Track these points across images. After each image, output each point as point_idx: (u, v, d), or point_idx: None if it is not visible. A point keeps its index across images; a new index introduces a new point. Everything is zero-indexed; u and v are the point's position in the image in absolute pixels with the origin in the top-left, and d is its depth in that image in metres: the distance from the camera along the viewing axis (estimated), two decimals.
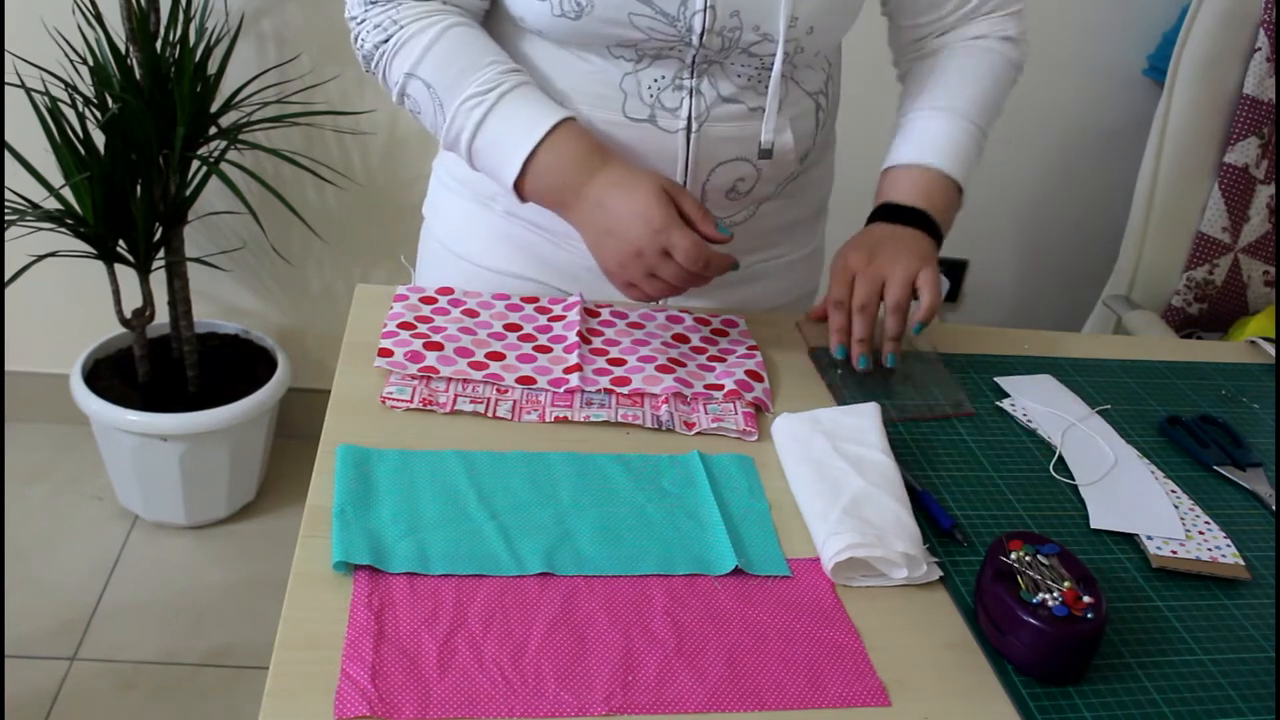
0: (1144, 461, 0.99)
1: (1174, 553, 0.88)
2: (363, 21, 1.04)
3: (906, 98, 1.18)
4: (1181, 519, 0.92)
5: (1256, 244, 2.01)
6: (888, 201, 1.11)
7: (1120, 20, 2.18)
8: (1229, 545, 0.89)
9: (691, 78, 1.03)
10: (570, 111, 1.02)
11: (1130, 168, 2.08)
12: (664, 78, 1.03)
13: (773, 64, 1.02)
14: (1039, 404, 1.06)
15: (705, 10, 0.98)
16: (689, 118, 1.04)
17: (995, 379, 1.10)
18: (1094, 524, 0.90)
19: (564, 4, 0.98)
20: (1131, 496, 0.94)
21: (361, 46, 1.05)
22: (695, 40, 0.99)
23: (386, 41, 1.02)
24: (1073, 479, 0.96)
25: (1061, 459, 0.99)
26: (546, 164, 0.99)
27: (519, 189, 1.01)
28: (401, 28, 1.02)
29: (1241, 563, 0.88)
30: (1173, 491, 0.96)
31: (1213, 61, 1.91)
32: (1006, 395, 1.08)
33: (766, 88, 1.04)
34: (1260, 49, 1.89)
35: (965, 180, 1.12)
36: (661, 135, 1.05)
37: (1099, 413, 1.06)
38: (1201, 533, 0.90)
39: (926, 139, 1.12)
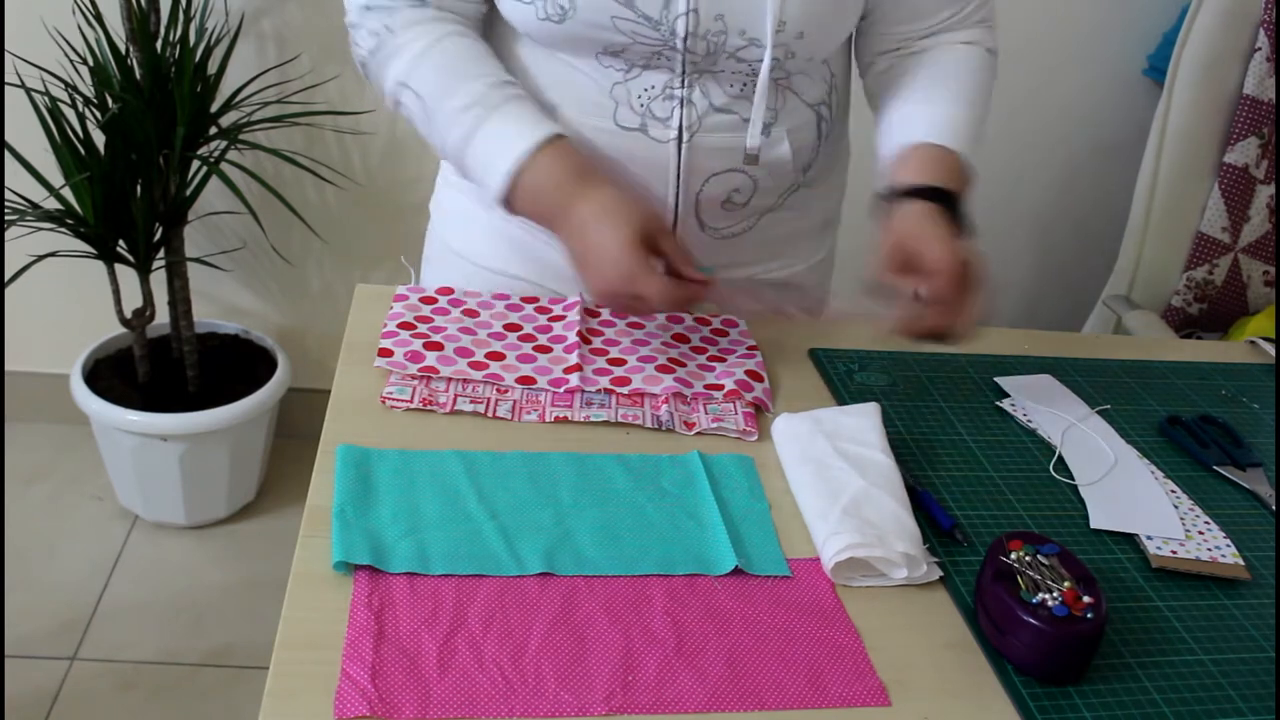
0: (1144, 461, 0.99)
1: (1174, 553, 0.88)
2: (358, 27, 1.04)
3: (899, 89, 1.12)
4: (1181, 519, 0.92)
5: (1256, 244, 2.01)
6: (947, 188, 1.02)
7: (1120, 20, 2.18)
8: (1229, 545, 0.89)
9: (682, 87, 1.03)
10: (558, 127, 1.00)
11: (1130, 168, 2.08)
12: (654, 87, 1.03)
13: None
14: (1039, 404, 1.06)
15: (688, 14, 0.97)
16: (680, 127, 1.04)
17: (995, 379, 1.10)
18: (1094, 524, 0.90)
19: (548, 7, 0.98)
20: (1131, 497, 0.94)
21: (358, 51, 1.05)
22: (679, 44, 0.99)
23: (378, 50, 1.02)
24: (1073, 479, 0.96)
25: (1061, 459, 0.99)
26: (531, 184, 0.99)
27: (509, 206, 1.02)
28: (395, 35, 1.01)
29: (1241, 563, 0.88)
30: (1173, 491, 0.96)
31: (1213, 61, 1.91)
32: (1006, 395, 1.08)
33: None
34: (1260, 49, 1.89)
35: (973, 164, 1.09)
36: (653, 145, 1.05)
37: (1099, 413, 1.06)
38: (1201, 533, 0.91)
39: (946, 126, 1.07)
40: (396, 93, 1.03)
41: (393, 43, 1.01)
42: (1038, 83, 2.23)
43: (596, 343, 1.06)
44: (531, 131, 0.99)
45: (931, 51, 1.12)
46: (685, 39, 0.98)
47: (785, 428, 0.95)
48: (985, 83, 1.13)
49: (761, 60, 1.00)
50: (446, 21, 1.03)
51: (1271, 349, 1.24)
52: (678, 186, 1.07)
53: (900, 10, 1.11)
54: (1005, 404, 1.06)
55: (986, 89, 1.13)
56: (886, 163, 1.08)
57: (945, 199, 1.01)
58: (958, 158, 1.05)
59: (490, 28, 1.09)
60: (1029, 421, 1.03)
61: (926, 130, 1.06)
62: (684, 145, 1.05)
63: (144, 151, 1.85)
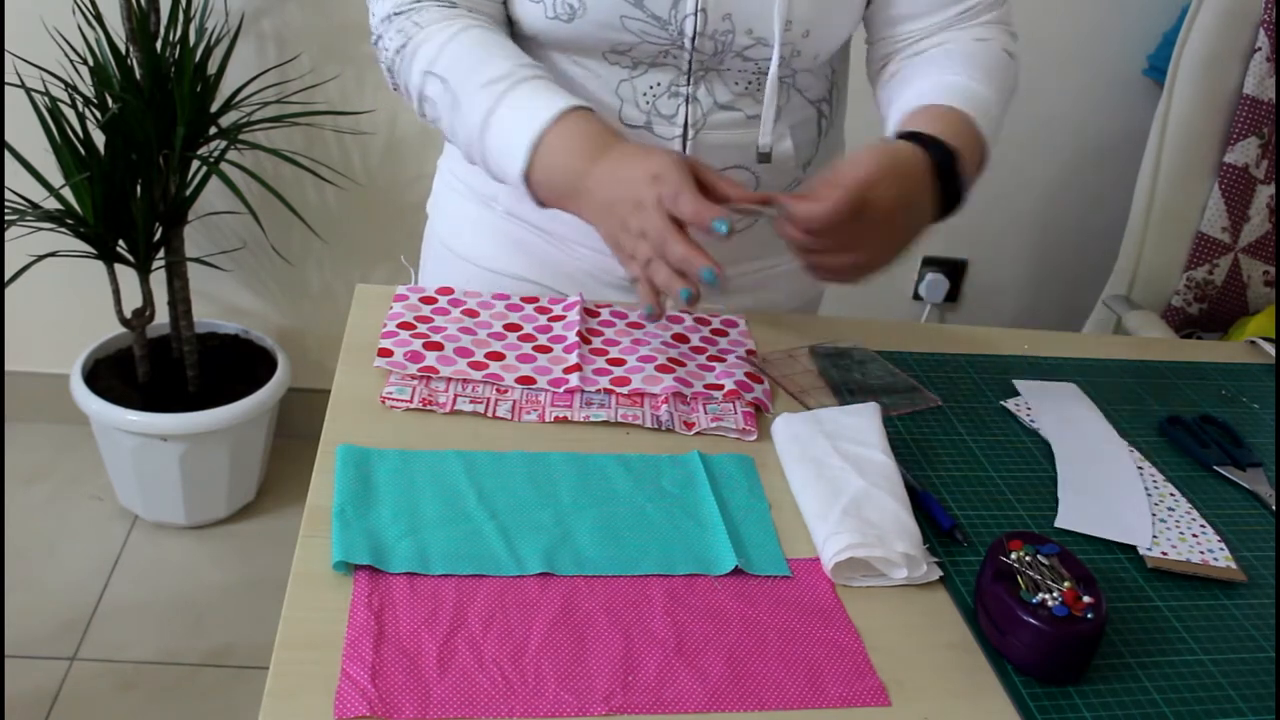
0: (1145, 466, 0.99)
1: (1164, 554, 0.88)
2: (382, 37, 1.03)
3: (909, 75, 1.06)
4: (1178, 523, 0.92)
5: (1256, 244, 2.01)
6: (945, 141, 0.94)
7: (1120, 20, 2.19)
8: (1223, 549, 0.89)
9: (688, 84, 1.03)
10: (584, 101, 0.97)
11: (1130, 168, 2.08)
12: (660, 84, 1.03)
13: (769, 69, 1.02)
14: (1048, 407, 1.05)
15: (696, 13, 0.97)
16: (685, 125, 1.04)
17: (1013, 381, 1.09)
18: (1058, 523, 0.90)
19: (557, 6, 0.98)
20: (1111, 500, 0.93)
21: (385, 55, 1.03)
22: (687, 44, 0.99)
23: (405, 46, 1.01)
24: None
25: (1052, 458, 0.99)
26: (554, 147, 0.94)
27: (529, 178, 0.97)
28: (422, 29, 1.00)
29: (1234, 566, 0.87)
30: (1172, 494, 0.95)
31: (1213, 61, 1.91)
32: (1012, 395, 1.07)
33: (764, 94, 1.03)
34: (1260, 49, 1.89)
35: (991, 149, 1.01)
36: (658, 142, 1.05)
37: (1106, 418, 1.06)
38: (1195, 535, 0.90)
39: (963, 97, 0.99)
40: (423, 84, 1.00)
41: (419, 35, 1.00)
42: (1038, 83, 2.23)
43: (596, 343, 1.06)
44: (556, 101, 0.95)
45: (944, 46, 1.07)
46: (693, 38, 0.99)
47: (785, 428, 0.95)
48: (1002, 67, 1.06)
49: (768, 59, 1.01)
50: (470, 17, 1.02)
51: (1271, 349, 1.24)
52: None
53: (903, 6, 1.07)
54: (1010, 403, 1.06)
55: (1003, 74, 1.06)
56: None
57: (936, 152, 0.93)
58: (963, 117, 0.97)
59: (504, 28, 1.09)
60: (1032, 422, 1.03)
61: (935, 95, 0.99)
62: (689, 142, 1.05)
63: (144, 151, 1.85)
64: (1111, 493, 0.95)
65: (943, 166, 0.93)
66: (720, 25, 0.99)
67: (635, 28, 0.98)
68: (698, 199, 0.87)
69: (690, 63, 1.01)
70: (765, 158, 1.06)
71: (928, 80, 1.02)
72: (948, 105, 0.98)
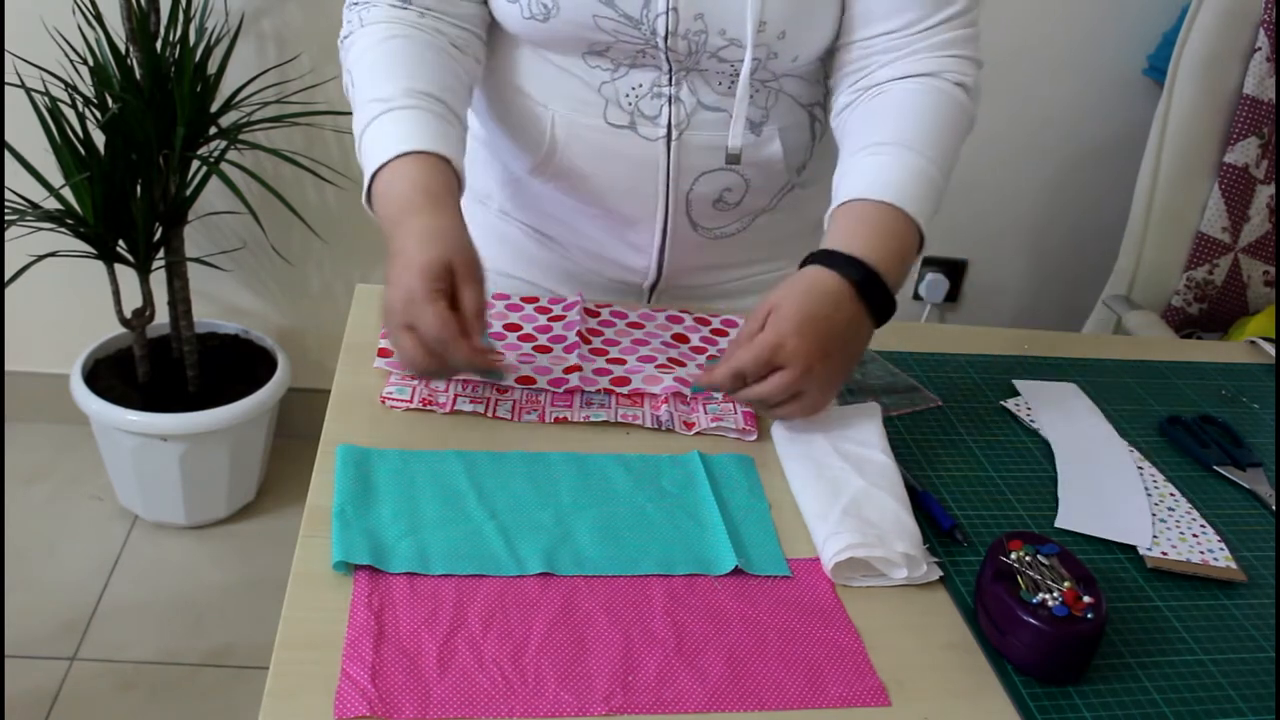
0: (1145, 468, 0.99)
1: (1164, 554, 0.88)
2: (346, 19, 1.05)
3: (854, 134, 1.02)
4: (1178, 523, 0.92)
5: (1256, 244, 2.01)
6: (863, 261, 0.91)
7: (1120, 20, 2.18)
8: (1223, 549, 0.89)
9: (670, 85, 1.03)
10: (441, 148, 0.93)
11: (1130, 168, 2.08)
12: (642, 85, 1.03)
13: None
14: (1048, 408, 1.05)
15: (667, 13, 0.97)
16: (669, 125, 1.04)
17: (1013, 381, 1.09)
18: (1059, 524, 0.90)
19: (532, 6, 0.98)
20: (1112, 501, 0.93)
21: (340, 36, 1.06)
22: (661, 44, 0.99)
23: (348, 37, 1.03)
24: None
25: (1052, 458, 0.99)
26: (382, 188, 0.94)
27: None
28: (363, 26, 1.01)
29: (1234, 566, 0.87)
30: (1172, 494, 0.95)
31: (1213, 61, 1.91)
32: (1011, 395, 1.07)
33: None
34: (1260, 49, 1.89)
35: (927, 227, 0.97)
36: (643, 143, 1.05)
37: (1106, 417, 1.06)
38: (1195, 536, 0.90)
39: (894, 178, 0.96)
40: (346, 77, 1.02)
41: (359, 32, 1.02)
42: (1038, 83, 2.23)
43: (596, 343, 1.06)
44: (408, 141, 0.93)
45: (891, 92, 1.02)
46: (666, 38, 0.98)
47: (785, 428, 0.95)
48: (947, 121, 1.01)
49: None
50: (410, 28, 1.00)
51: (1271, 349, 1.24)
52: (667, 184, 1.07)
53: (865, 10, 1.02)
54: (1010, 403, 1.06)
55: (948, 128, 1.01)
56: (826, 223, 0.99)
57: (854, 267, 0.91)
58: (894, 213, 0.94)
59: (490, 28, 1.09)
60: (1032, 421, 1.03)
61: (861, 185, 0.96)
62: (673, 143, 1.05)
63: (144, 151, 1.85)
64: (1111, 493, 0.95)
65: (867, 285, 0.91)
66: (693, 25, 0.98)
67: (609, 27, 0.98)
68: (434, 315, 0.85)
69: (669, 63, 1.01)
70: (734, 159, 1.05)
71: (871, 157, 0.98)
72: (886, 203, 0.94)
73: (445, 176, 0.93)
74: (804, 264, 0.94)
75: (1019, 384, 1.09)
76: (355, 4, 1.03)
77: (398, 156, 0.92)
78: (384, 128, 0.95)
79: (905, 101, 1.01)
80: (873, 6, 1.01)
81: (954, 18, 1.02)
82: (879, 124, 1.00)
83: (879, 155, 0.97)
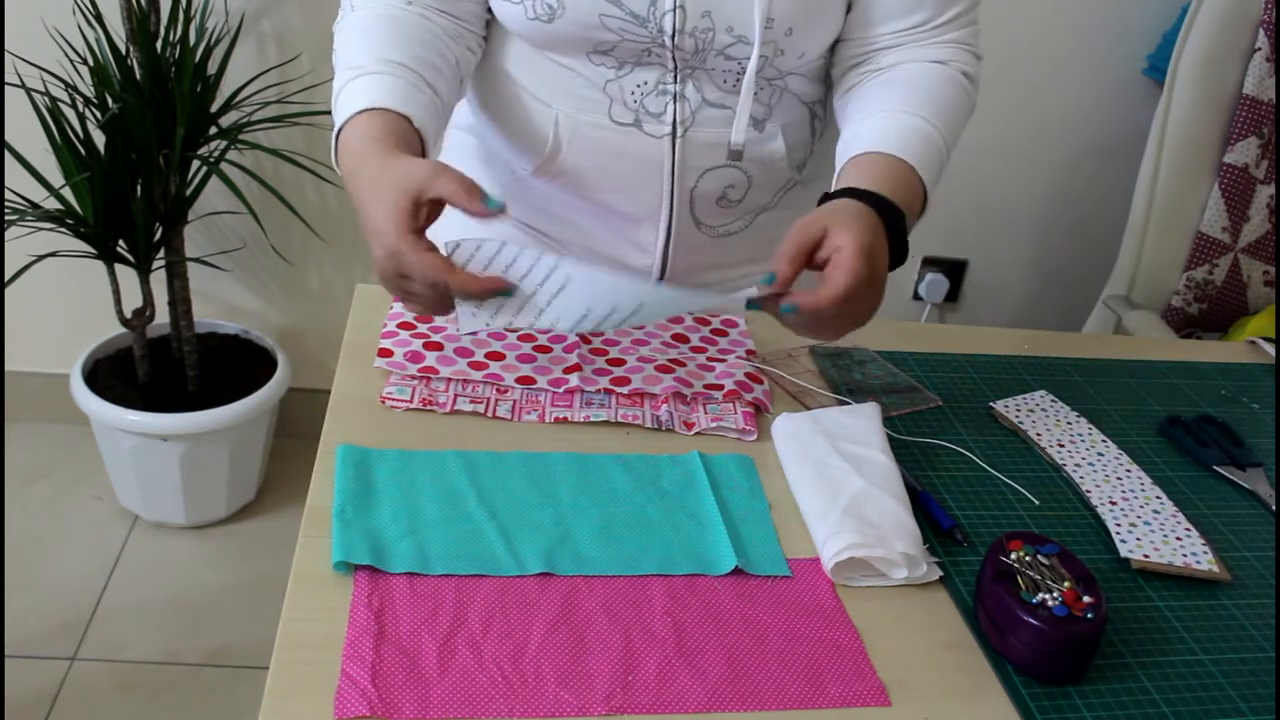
0: (1132, 469, 0.98)
1: (1146, 556, 0.87)
2: (341, 7, 1.05)
3: (863, 103, 1.04)
4: (1162, 525, 0.91)
5: (1256, 244, 2.01)
6: (890, 198, 0.92)
7: (1120, 20, 2.18)
8: (1206, 552, 0.88)
9: (675, 83, 1.03)
10: (402, 106, 0.93)
11: (1130, 168, 2.08)
12: (647, 83, 1.03)
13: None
14: (1033, 417, 1.05)
15: (675, 10, 0.97)
16: (674, 123, 1.04)
17: (990, 404, 1.06)
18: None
19: (537, 7, 0.98)
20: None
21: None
22: (668, 41, 0.99)
23: (339, 20, 1.03)
24: (1072, 479, 0.96)
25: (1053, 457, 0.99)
26: (340, 150, 0.95)
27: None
28: (354, 9, 1.02)
29: (1216, 569, 0.87)
30: (1158, 498, 0.95)
31: (1213, 61, 1.91)
32: (1003, 396, 1.07)
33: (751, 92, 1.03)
34: (1260, 49, 1.89)
35: (931, 195, 0.98)
36: (648, 140, 1.05)
37: (1091, 414, 1.06)
38: (1180, 538, 0.90)
39: (907, 141, 0.98)
40: (334, 59, 1.02)
41: (348, 16, 1.02)
42: (1038, 82, 2.23)
43: (596, 342, 1.06)
44: (365, 100, 0.93)
45: (899, 68, 1.04)
46: (673, 36, 0.98)
47: (785, 427, 0.95)
48: (956, 97, 1.04)
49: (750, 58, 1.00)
50: (400, 8, 1.01)
51: (1271, 349, 1.24)
52: (672, 182, 1.07)
53: (877, 9, 1.04)
54: (999, 405, 1.05)
55: (956, 105, 1.04)
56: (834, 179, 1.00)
57: (880, 207, 0.91)
58: (910, 172, 0.96)
59: (489, 27, 1.09)
60: (1021, 425, 1.03)
61: (873, 140, 0.98)
62: (678, 140, 1.05)
63: (144, 151, 1.85)
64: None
65: (893, 227, 0.92)
66: (700, 23, 0.98)
67: (615, 25, 0.98)
68: (418, 258, 0.85)
69: (674, 61, 1.01)
70: (737, 155, 1.05)
71: (881, 119, 1.00)
72: (897, 157, 0.96)
73: (398, 126, 0.93)
74: (824, 200, 0.93)
75: (998, 405, 1.06)
76: None
77: (354, 115, 0.93)
78: (351, 93, 0.95)
79: (914, 78, 1.03)
80: (882, 5, 1.03)
81: (959, 16, 1.05)
82: (889, 95, 1.02)
83: (890, 119, 0.99)
